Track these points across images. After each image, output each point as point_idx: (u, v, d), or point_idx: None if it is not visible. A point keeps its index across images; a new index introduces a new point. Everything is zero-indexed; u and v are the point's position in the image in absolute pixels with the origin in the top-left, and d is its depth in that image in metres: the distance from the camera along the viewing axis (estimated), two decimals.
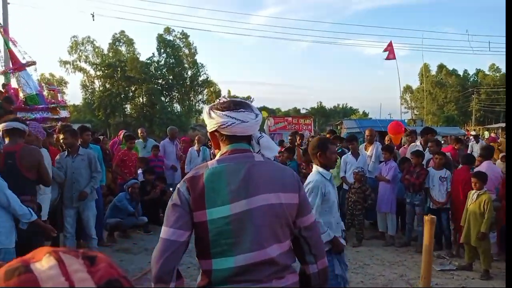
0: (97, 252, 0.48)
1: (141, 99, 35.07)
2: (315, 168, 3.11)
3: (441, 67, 53.30)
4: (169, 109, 34.38)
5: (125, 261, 5.24)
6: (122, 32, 35.14)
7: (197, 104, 38.27)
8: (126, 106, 35.78)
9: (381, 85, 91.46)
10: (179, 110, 35.99)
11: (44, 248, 0.46)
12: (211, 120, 1.58)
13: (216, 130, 1.59)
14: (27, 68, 8.35)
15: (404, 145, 8.11)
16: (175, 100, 36.57)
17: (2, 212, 3.05)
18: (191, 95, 36.96)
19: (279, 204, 1.50)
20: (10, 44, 8.28)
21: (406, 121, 25.96)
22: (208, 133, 1.68)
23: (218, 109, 1.57)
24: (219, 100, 1.65)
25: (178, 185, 1.54)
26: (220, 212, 1.45)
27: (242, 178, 1.49)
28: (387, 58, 23.81)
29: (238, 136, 1.57)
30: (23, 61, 8.28)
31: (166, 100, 35.33)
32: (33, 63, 8.36)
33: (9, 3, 15.10)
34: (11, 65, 8.51)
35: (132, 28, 79.78)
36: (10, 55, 8.36)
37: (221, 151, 1.60)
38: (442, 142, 11.73)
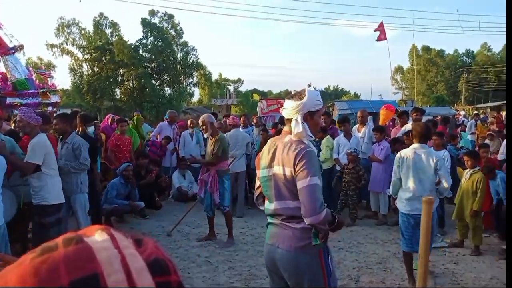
0: (144, 236, 0.51)
1: (130, 83, 34.58)
2: None
3: (427, 49, 53.11)
4: (160, 93, 33.97)
5: None
6: (101, 14, 34.27)
7: (188, 87, 37.86)
8: (115, 90, 35.27)
9: (372, 66, 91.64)
10: (170, 93, 35.59)
11: (95, 225, 0.49)
12: (285, 108, 2.27)
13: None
14: (15, 52, 8.18)
15: (396, 125, 8.19)
16: (165, 84, 36.10)
17: None
18: (181, 78, 36.48)
19: (283, 174, 2.15)
20: None
21: (396, 101, 26.09)
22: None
23: (287, 98, 2.34)
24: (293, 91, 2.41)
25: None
26: (262, 173, 2.31)
27: (272, 153, 2.25)
28: (378, 39, 23.73)
29: (287, 118, 2.24)
30: (11, 45, 8.11)
31: (157, 84, 34.86)
32: (21, 46, 8.18)
33: None
34: None
35: (119, 10, 77.87)
36: None
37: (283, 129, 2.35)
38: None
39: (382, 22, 23.93)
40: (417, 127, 4.04)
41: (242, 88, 56.45)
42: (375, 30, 23.92)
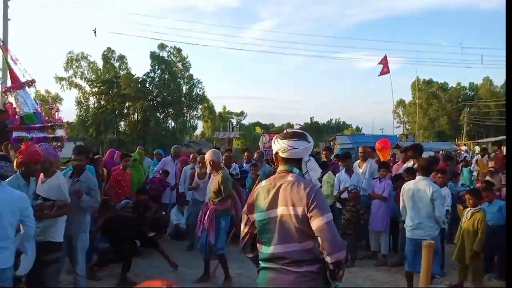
0: None
1: (135, 116, 35.04)
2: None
3: (428, 82, 53.86)
4: (164, 126, 34.34)
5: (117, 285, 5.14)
6: (109, 48, 35.27)
7: (191, 120, 38.30)
8: (120, 123, 35.69)
9: (374, 99, 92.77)
10: (173, 126, 35.97)
11: (155, 281, 0.56)
12: (275, 145, 2.27)
13: (277, 153, 2.26)
14: (26, 87, 8.39)
15: (398, 161, 8.22)
16: (169, 117, 36.56)
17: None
18: (185, 111, 36.98)
19: (293, 214, 2.08)
20: (11, 63, 8.34)
21: (398, 136, 26.25)
22: (274, 154, 2.32)
23: (281, 138, 2.26)
24: (285, 132, 2.33)
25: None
26: (259, 216, 2.21)
27: (273, 194, 2.17)
28: (381, 73, 24.03)
29: (290, 158, 2.21)
30: (23, 80, 8.33)
31: (161, 117, 35.31)
32: (33, 81, 8.40)
33: (9, 19, 15.07)
34: (9, 84, 8.56)
35: (126, 44, 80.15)
36: (10, 74, 8.40)
37: (278, 170, 2.29)
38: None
39: (385, 56, 24.28)
40: (420, 161, 4.87)
41: (245, 121, 57.04)
42: (378, 64, 24.31)
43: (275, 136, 2.33)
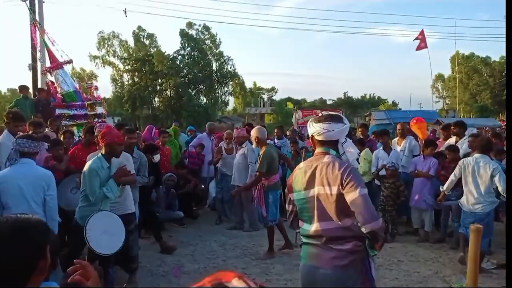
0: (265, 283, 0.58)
1: (168, 92, 35.63)
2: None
3: (468, 57, 50.89)
4: (196, 102, 34.75)
5: (161, 253, 5.44)
6: (140, 27, 35.67)
7: (223, 96, 38.49)
8: (154, 99, 36.45)
9: (411, 74, 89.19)
10: (205, 102, 36.33)
11: (228, 272, 0.57)
12: (310, 128, 2.31)
13: (312, 136, 2.30)
14: (64, 66, 8.67)
15: (439, 138, 7.93)
16: (201, 93, 36.90)
17: None
18: (216, 87, 37.18)
19: (329, 193, 2.14)
20: (49, 44, 8.62)
21: (437, 111, 25.23)
22: (310, 136, 2.37)
23: (315, 121, 2.29)
24: (320, 115, 2.34)
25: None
26: (298, 195, 2.29)
27: (310, 174, 2.24)
28: (418, 48, 23.04)
29: (325, 141, 2.25)
30: (61, 60, 8.61)
31: (193, 93, 35.71)
32: (70, 61, 8.67)
33: (44, 1, 15.51)
34: (49, 64, 8.87)
35: (155, 23, 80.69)
36: (49, 54, 8.70)
37: (315, 152, 2.33)
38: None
39: (423, 31, 23.28)
40: (480, 140, 5.09)
41: (276, 97, 56.59)
42: (415, 39, 23.29)
43: (310, 120, 2.37)
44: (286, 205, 2.48)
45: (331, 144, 2.27)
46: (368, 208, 2.06)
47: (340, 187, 2.10)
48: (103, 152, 3.72)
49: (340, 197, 2.11)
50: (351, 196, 2.07)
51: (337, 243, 2.14)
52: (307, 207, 2.25)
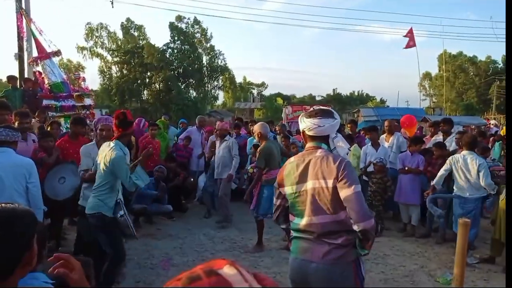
0: (258, 272, 0.59)
1: (157, 85, 35.32)
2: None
3: (455, 56, 51.56)
4: (185, 95, 34.54)
5: (149, 246, 5.43)
6: (128, 19, 35.24)
7: (213, 90, 38.33)
8: (143, 92, 36.10)
9: (399, 72, 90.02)
10: (195, 96, 36.12)
11: (219, 260, 0.57)
12: (301, 124, 2.31)
13: (303, 131, 2.31)
14: (52, 57, 8.53)
15: (426, 136, 8.05)
16: (190, 86, 36.67)
17: None
18: (206, 81, 37.00)
19: (324, 187, 2.14)
20: (36, 34, 8.45)
21: (424, 109, 25.56)
22: (301, 131, 2.37)
23: (306, 116, 2.29)
24: (311, 109, 2.33)
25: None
26: (290, 190, 2.28)
27: (303, 168, 2.23)
28: (407, 47, 23.29)
29: (316, 136, 2.25)
30: (49, 50, 8.47)
31: (183, 86, 35.46)
32: (59, 52, 8.54)
33: None
34: (36, 54, 8.71)
35: (144, 15, 79.64)
36: (36, 44, 8.54)
37: (306, 146, 2.32)
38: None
39: (411, 29, 23.52)
40: (466, 137, 5.35)
41: (266, 92, 56.56)
42: (404, 36, 23.52)
43: (301, 115, 2.36)
44: (274, 199, 2.45)
45: (322, 139, 2.28)
46: (362, 206, 2.07)
47: (336, 180, 2.11)
48: (120, 140, 3.60)
49: (335, 190, 2.12)
50: (345, 192, 2.08)
51: (330, 237, 2.14)
52: (298, 201, 2.24)
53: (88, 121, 6.92)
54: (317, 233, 2.16)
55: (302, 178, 2.22)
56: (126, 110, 3.77)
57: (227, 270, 0.53)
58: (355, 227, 2.07)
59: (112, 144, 3.56)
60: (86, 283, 1.33)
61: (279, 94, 52.42)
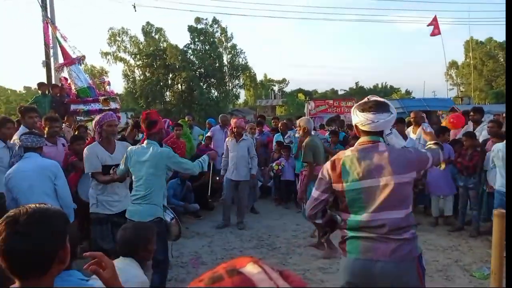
0: (284, 269, 0.56)
1: (180, 86, 35.74)
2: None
3: (482, 42, 49.69)
4: (207, 95, 34.79)
5: (179, 244, 5.46)
6: (148, 23, 35.72)
7: (234, 89, 38.45)
8: (166, 93, 36.61)
9: (424, 62, 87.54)
10: (216, 96, 36.34)
11: (242, 257, 0.55)
12: (354, 117, 2.20)
13: (356, 125, 2.21)
14: (77, 62, 8.75)
15: None
16: (212, 86, 36.92)
17: None
18: (226, 80, 37.16)
19: (398, 182, 2.06)
20: (61, 41, 8.69)
21: (452, 98, 24.78)
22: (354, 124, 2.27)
23: (359, 110, 2.17)
24: (364, 100, 2.22)
25: (325, 164, 2.30)
26: (352, 186, 2.12)
27: (368, 163, 2.11)
28: (432, 34, 22.68)
29: (371, 131, 2.15)
30: (74, 56, 8.69)
31: (204, 86, 35.75)
32: (83, 57, 8.75)
33: None
34: (62, 60, 8.96)
35: (164, 17, 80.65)
36: (62, 51, 8.78)
37: (359, 140, 2.21)
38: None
39: (435, 17, 22.88)
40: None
41: (287, 88, 56.25)
42: (428, 25, 22.90)
43: (354, 107, 2.23)
44: (317, 193, 2.26)
45: (378, 133, 2.18)
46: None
47: (415, 173, 2.11)
48: (151, 139, 3.57)
49: (408, 185, 2.09)
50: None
51: (397, 233, 2.07)
52: (362, 197, 2.12)
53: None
54: (387, 230, 2.07)
55: (369, 173, 2.11)
56: (151, 110, 3.78)
57: (250, 269, 0.51)
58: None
59: (145, 145, 3.50)
60: (118, 283, 1.35)
61: (300, 90, 52.07)
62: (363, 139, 2.19)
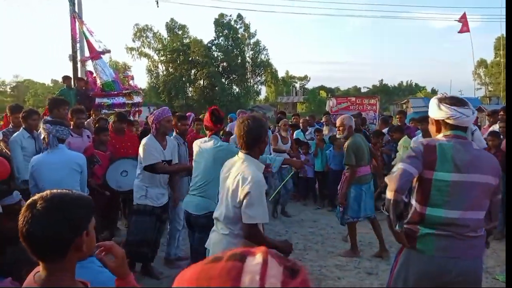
0: (301, 266, 0.53)
1: (202, 82, 36.05)
2: None
3: None
4: (228, 91, 34.97)
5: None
6: (172, 19, 36.11)
7: (255, 85, 38.50)
8: (188, 89, 37.01)
9: (450, 60, 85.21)
10: (237, 92, 36.48)
11: (263, 246, 0.53)
12: (440, 111, 2.10)
13: (439, 120, 2.13)
14: (102, 56, 8.94)
15: (483, 125, 7.57)
16: (233, 82, 37.06)
17: None
18: (247, 77, 37.22)
19: (486, 183, 2.04)
20: (88, 35, 8.89)
21: (479, 98, 24.07)
22: (432, 119, 2.18)
23: (447, 103, 2.08)
24: (444, 95, 2.16)
25: (414, 144, 2.29)
26: (443, 176, 2.03)
27: (463, 157, 2.03)
28: (461, 31, 22.01)
29: (458, 126, 2.08)
30: (99, 50, 8.87)
31: (226, 82, 35.95)
32: (108, 51, 8.93)
33: None
34: (88, 54, 9.17)
35: (187, 13, 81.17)
36: (88, 45, 8.98)
37: (444, 133, 2.13)
38: None
39: (465, 13, 22.19)
40: None
41: (309, 85, 55.86)
42: (458, 21, 22.26)
43: (438, 101, 2.12)
44: (408, 166, 2.05)
45: (463, 129, 2.13)
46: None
47: (498, 179, 2.10)
48: (216, 135, 3.60)
49: (492, 190, 2.09)
50: (498, 195, 2.15)
51: (474, 232, 2.08)
52: (450, 191, 2.03)
53: (135, 117, 7.18)
54: (469, 230, 2.05)
55: (466, 168, 2.03)
56: (215, 106, 3.77)
57: (254, 259, 0.50)
58: (490, 224, 2.16)
59: (213, 140, 3.47)
60: (124, 270, 1.36)
61: (322, 87, 51.64)
62: (447, 132, 2.12)
